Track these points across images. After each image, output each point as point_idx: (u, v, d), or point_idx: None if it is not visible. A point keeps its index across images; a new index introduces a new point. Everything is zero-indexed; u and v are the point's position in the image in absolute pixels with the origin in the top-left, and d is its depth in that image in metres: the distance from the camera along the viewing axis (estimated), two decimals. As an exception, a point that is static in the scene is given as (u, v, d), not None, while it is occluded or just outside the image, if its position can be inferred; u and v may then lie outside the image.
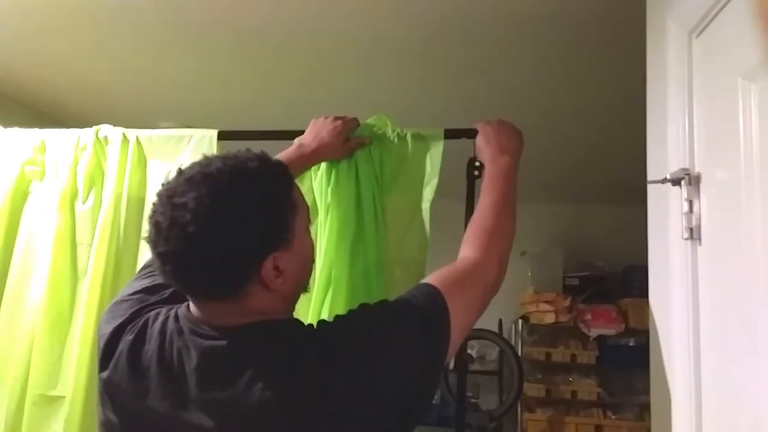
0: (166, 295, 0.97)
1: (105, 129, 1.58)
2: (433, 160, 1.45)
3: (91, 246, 1.53)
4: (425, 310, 0.91)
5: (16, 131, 1.62)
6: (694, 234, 0.99)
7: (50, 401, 1.46)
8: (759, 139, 0.83)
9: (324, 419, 0.81)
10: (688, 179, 1.01)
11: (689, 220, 1.00)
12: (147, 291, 0.99)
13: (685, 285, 1.01)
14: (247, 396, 0.80)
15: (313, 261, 1.00)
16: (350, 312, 0.94)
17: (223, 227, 0.81)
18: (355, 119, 1.45)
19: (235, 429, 0.82)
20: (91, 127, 1.60)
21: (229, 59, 2.15)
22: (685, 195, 1.01)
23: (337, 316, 0.94)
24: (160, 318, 0.91)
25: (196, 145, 1.54)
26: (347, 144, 1.42)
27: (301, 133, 1.45)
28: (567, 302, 3.51)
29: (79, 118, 2.63)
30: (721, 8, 0.97)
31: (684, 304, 1.02)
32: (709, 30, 1.01)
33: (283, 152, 1.36)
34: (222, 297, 0.86)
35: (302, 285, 0.96)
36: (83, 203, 1.55)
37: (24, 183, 1.58)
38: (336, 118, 1.42)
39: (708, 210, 0.98)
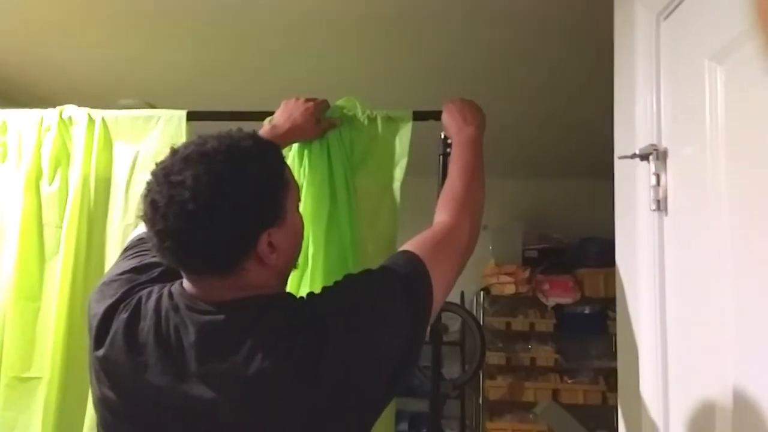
0: (155, 274, 0.97)
1: (69, 109, 1.54)
2: (402, 140, 1.48)
3: (59, 227, 1.50)
4: (408, 277, 0.94)
5: None
6: (661, 206, 1.05)
7: (25, 383, 1.45)
8: (725, 116, 0.89)
9: (320, 386, 0.84)
10: (656, 154, 1.07)
11: (657, 193, 1.06)
12: (136, 270, 0.99)
13: (652, 254, 1.08)
14: (247, 367, 0.82)
15: (302, 237, 1.02)
16: (337, 283, 0.97)
17: (221, 205, 0.83)
18: (325, 101, 1.46)
19: (235, 399, 0.83)
20: (53, 106, 1.56)
21: (193, 36, 2.10)
22: (653, 169, 1.07)
23: (324, 288, 0.96)
24: (154, 296, 0.92)
25: (164, 125, 1.52)
26: (319, 125, 1.43)
27: (271, 113, 1.45)
28: (526, 273, 3.62)
29: (39, 97, 2.53)
30: (691, -11, 1.02)
31: (651, 272, 1.08)
32: (676, 13, 1.06)
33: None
34: (219, 272, 0.88)
35: (294, 260, 0.99)
36: (49, 185, 1.52)
37: (-15, 164, 1.53)
38: (307, 100, 1.42)
39: (674, 183, 1.04)
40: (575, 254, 3.74)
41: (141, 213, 0.87)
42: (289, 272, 0.99)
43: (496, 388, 3.62)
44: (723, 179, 0.89)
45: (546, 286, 3.65)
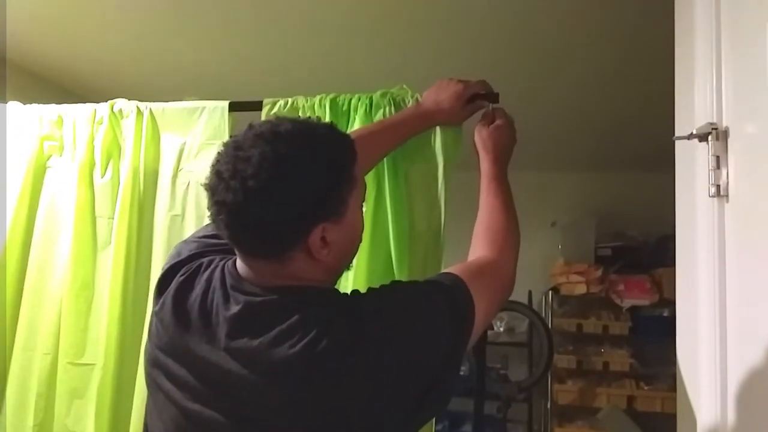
0: (225, 243, 0.95)
1: (120, 103, 1.58)
2: (456, 130, 1.42)
3: (111, 219, 1.54)
4: (452, 293, 0.91)
5: (34, 107, 1.63)
6: (721, 191, 0.94)
7: (79, 368, 1.50)
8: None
9: (344, 387, 0.81)
10: (715, 134, 0.95)
11: (716, 177, 0.94)
12: (213, 236, 1.02)
13: (712, 244, 0.97)
14: (272, 350, 0.82)
15: (360, 239, 0.99)
16: (383, 287, 0.94)
17: (282, 187, 0.81)
18: (481, 82, 1.37)
19: (260, 378, 0.83)
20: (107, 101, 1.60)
21: (243, 33, 2.14)
22: (712, 151, 0.95)
23: (370, 289, 0.94)
24: (211, 267, 0.95)
25: (208, 117, 1.53)
26: (466, 109, 1.36)
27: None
28: (599, 273, 3.45)
29: (97, 93, 2.65)
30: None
31: (710, 266, 0.97)
32: (739, -28, 0.94)
33: (401, 111, 1.37)
34: (266, 256, 0.87)
35: (347, 260, 0.96)
36: (101, 177, 1.55)
37: (43, 158, 1.59)
38: (459, 81, 1.36)
39: (736, 166, 0.92)
40: (653, 253, 3.52)
41: (206, 181, 0.86)
42: (342, 271, 0.97)
43: (565, 393, 3.48)
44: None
45: (620, 287, 3.46)
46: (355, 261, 1.35)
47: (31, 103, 1.65)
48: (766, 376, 0.84)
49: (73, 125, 1.58)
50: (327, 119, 1.44)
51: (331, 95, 1.48)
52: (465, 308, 0.90)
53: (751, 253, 0.88)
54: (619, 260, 3.53)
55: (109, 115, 1.55)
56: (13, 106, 1.64)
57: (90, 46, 2.36)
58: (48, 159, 1.60)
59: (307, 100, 1.48)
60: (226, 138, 1.33)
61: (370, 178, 1.39)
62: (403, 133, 1.36)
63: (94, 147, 1.55)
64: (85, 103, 1.62)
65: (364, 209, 0.98)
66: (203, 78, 2.59)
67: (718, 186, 0.94)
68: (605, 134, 3.24)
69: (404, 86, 1.46)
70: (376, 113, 1.43)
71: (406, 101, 1.42)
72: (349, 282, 1.39)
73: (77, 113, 1.58)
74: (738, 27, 0.94)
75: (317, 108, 1.47)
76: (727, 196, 0.93)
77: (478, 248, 1.09)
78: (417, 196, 1.43)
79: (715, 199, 0.95)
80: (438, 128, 1.40)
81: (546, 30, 2.04)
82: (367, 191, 1.36)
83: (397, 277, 1.36)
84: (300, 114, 1.47)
